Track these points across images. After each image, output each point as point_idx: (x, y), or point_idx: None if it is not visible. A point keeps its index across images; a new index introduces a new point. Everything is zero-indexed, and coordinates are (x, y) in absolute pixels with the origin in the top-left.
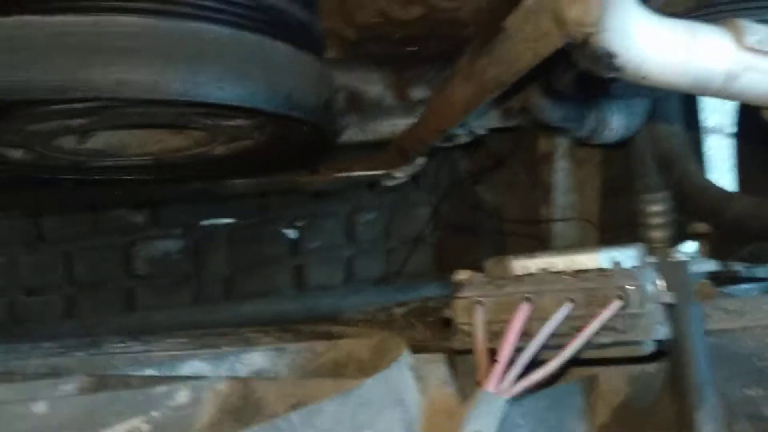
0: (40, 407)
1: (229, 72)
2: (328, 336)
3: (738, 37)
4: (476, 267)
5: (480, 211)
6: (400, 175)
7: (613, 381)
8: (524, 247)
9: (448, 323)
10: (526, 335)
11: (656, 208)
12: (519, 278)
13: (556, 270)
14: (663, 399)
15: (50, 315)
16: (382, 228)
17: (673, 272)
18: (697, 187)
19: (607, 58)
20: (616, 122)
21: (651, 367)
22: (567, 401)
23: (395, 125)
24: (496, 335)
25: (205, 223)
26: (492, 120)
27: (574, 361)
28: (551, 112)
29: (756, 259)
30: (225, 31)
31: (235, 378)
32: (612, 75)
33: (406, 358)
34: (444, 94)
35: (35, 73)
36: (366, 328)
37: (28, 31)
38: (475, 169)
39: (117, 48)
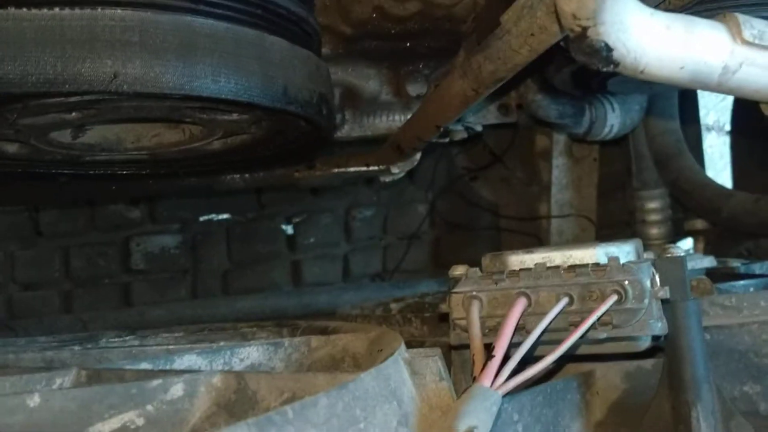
0: (34, 400)
1: (224, 66)
2: (324, 331)
3: (736, 31)
4: (473, 264)
5: (477, 207)
6: (397, 170)
7: (610, 377)
8: (521, 244)
9: (444, 318)
10: (522, 330)
11: (653, 205)
12: (515, 273)
13: (552, 265)
14: (659, 395)
15: (47, 310)
16: (379, 224)
17: (670, 268)
18: (694, 183)
19: (604, 52)
20: (613, 119)
21: (647, 363)
22: (563, 397)
23: (392, 121)
24: (492, 330)
25: (203, 218)
26: (489, 116)
27: (571, 357)
28: (548, 108)
29: (753, 256)
30: (220, 25)
31: (229, 372)
32: (610, 69)
33: (402, 352)
34: (441, 89)
35: (28, 67)
36: (362, 324)
37: (21, 23)
38: (471, 165)
39: (111, 41)
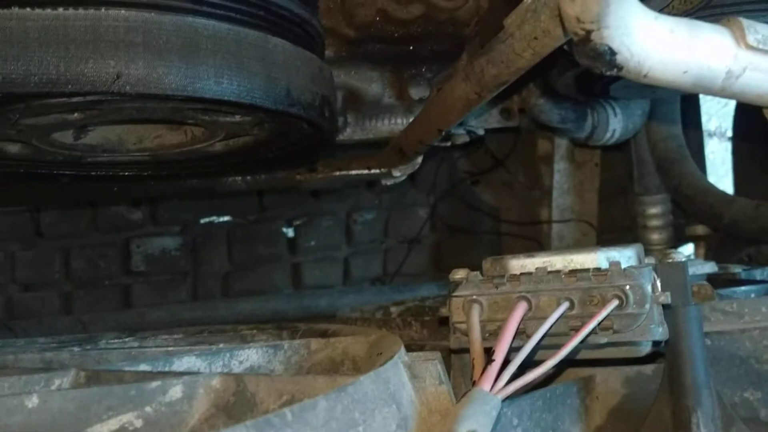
0: (32, 401)
1: (227, 67)
2: (324, 334)
3: (740, 35)
4: (474, 267)
5: (478, 211)
6: (399, 174)
7: (610, 382)
8: (522, 248)
9: (444, 322)
10: (523, 334)
11: (655, 210)
12: (516, 277)
13: (553, 269)
14: (659, 401)
15: (47, 311)
16: (380, 227)
17: (672, 273)
18: (696, 189)
19: (608, 55)
20: (615, 124)
21: (648, 369)
22: (563, 401)
23: (394, 124)
24: (492, 334)
25: (204, 220)
26: (491, 120)
27: (571, 362)
28: (550, 113)
29: (754, 262)
30: (223, 26)
31: (228, 374)
32: (613, 73)
33: (401, 356)
34: (443, 93)
35: (31, 66)
36: (362, 327)
37: (24, 23)
38: (473, 169)
39: (114, 42)
